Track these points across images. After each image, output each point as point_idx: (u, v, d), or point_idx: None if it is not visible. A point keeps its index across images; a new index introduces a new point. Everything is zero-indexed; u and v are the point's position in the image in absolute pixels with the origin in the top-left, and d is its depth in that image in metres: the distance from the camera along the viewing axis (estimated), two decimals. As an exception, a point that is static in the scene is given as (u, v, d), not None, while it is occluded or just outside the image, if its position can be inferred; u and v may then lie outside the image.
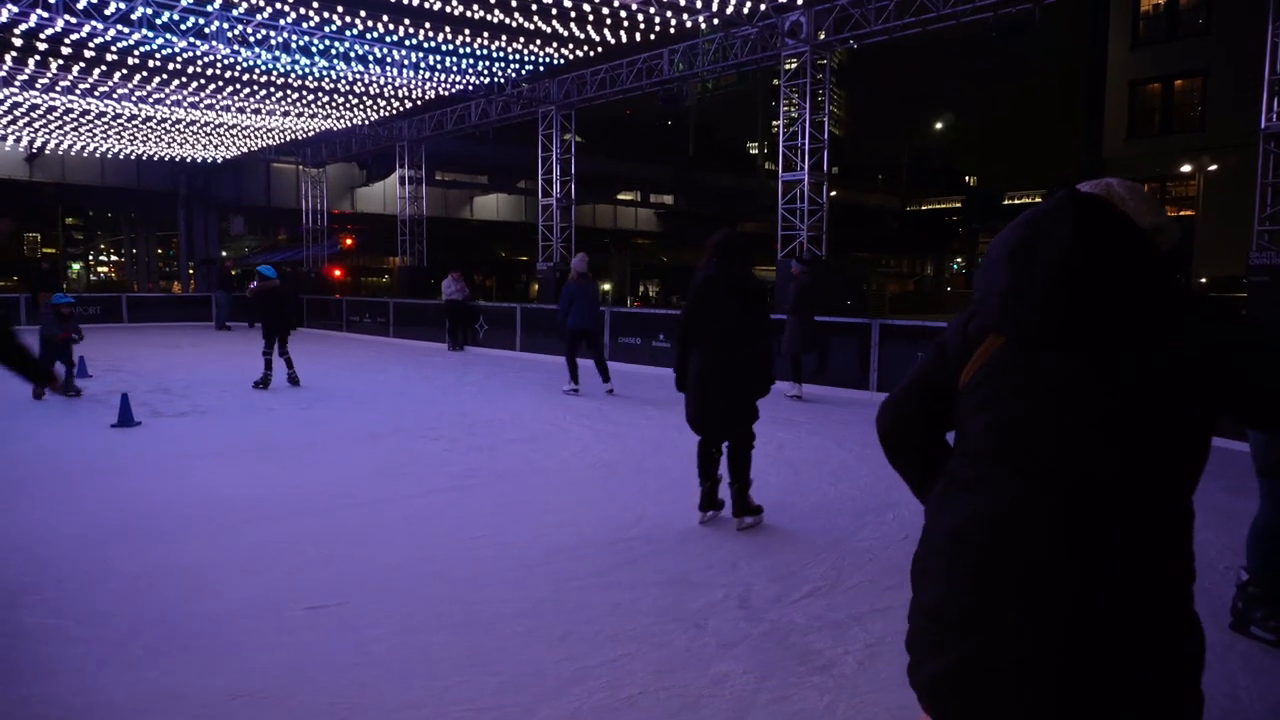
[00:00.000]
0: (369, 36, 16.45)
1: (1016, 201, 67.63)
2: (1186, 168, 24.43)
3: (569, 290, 10.90)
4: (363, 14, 15.59)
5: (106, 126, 24.18)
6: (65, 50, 16.42)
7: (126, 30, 15.56)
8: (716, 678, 3.21)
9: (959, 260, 68.61)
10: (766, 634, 3.61)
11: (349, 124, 24.86)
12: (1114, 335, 1.35)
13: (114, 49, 16.56)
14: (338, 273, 35.00)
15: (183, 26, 15.69)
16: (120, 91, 19.90)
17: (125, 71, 18.21)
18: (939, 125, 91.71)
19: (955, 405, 1.57)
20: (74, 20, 15.04)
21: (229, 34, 16.12)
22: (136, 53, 16.81)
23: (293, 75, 18.59)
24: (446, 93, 21.34)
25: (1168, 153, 24.60)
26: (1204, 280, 23.35)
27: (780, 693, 3.09)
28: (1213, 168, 23.55)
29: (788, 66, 17.47)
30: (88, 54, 16.67)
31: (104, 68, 17.84)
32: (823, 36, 16.66)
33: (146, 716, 2.89)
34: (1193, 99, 24.82)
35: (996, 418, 1.45)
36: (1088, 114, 28.46)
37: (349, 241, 40.86)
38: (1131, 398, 1.32)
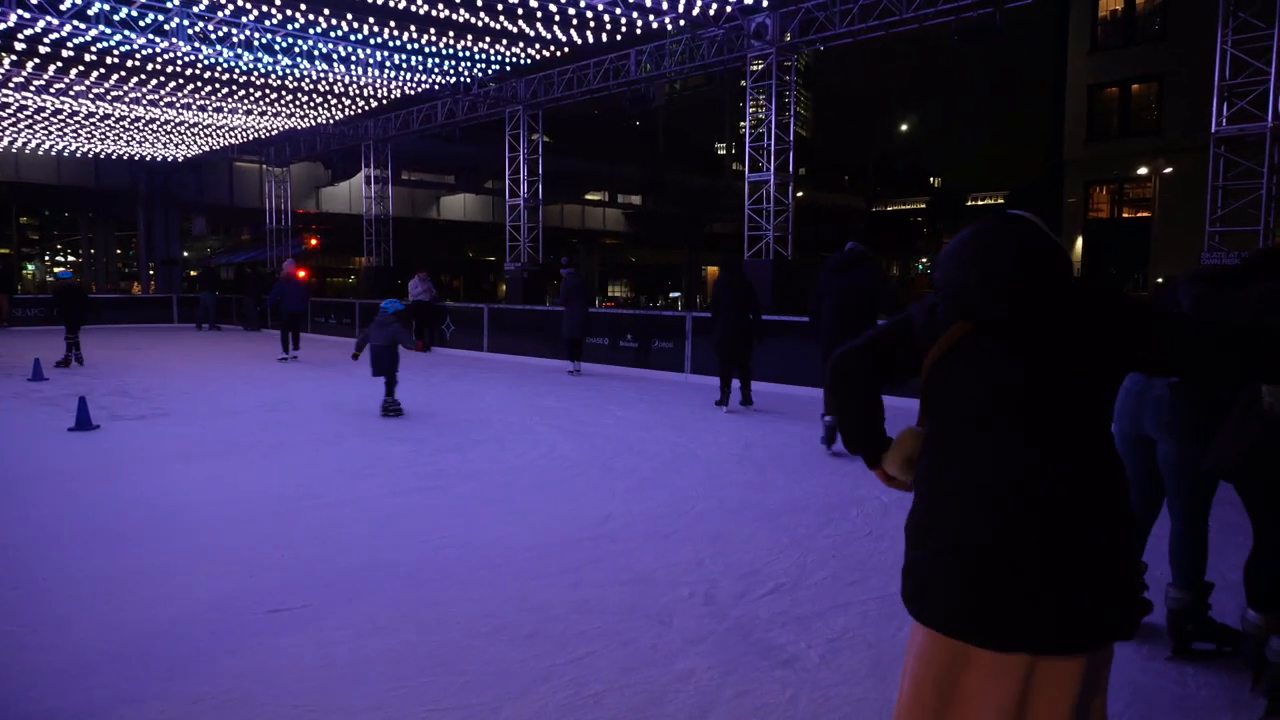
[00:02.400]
0: (333, 35, 16.28)
1: (980, 202, 68.61)
2: (1143, 170, 24.95)
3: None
4: (326, 12, 15.42)
5: (63, 124, 23.65)
6: (19, 46, 16.04)
7: (83, 26, 15.25)
8: (681, 674, 3.24)
9: (924, 261, 69.43)
10: (730, 630, 3.65)
11: (313, 123, 24.56)
12: (1051, 318, 1.76)
13: (70, 45, 16.21)
14: (302, 273, 34.56)
15: (141, 23, 15.41)
16: (77, 89, 19.49)
17: (82, 68, 17.83)
18: (904, 127, 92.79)
19: (899, 368, 1.98)
20: (27, 15, 14.70)
21: (189, 31, 15.87)
22: (93, 49, 16.48)
23: (255, 73, 18.33)
24: (413, 92, 21.16)
25: (1126, 155, 25.09)
26: (1160, 280, 23.85)
27: (744, 688, 3.13)
28: (1168, 170, 24.07)
29: (754, 68, 17.59)
30: (42, 50, 16.31)
31: (59, 64, 17.47)
32: (788, 38, 16.79)
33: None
34: (1149, 103, 25.33)
35: (983, 387, 1.80)
36: (1049, 117, 28.96)
37: (314, 241, 40.35)
38: (1067, 358, 1.75)
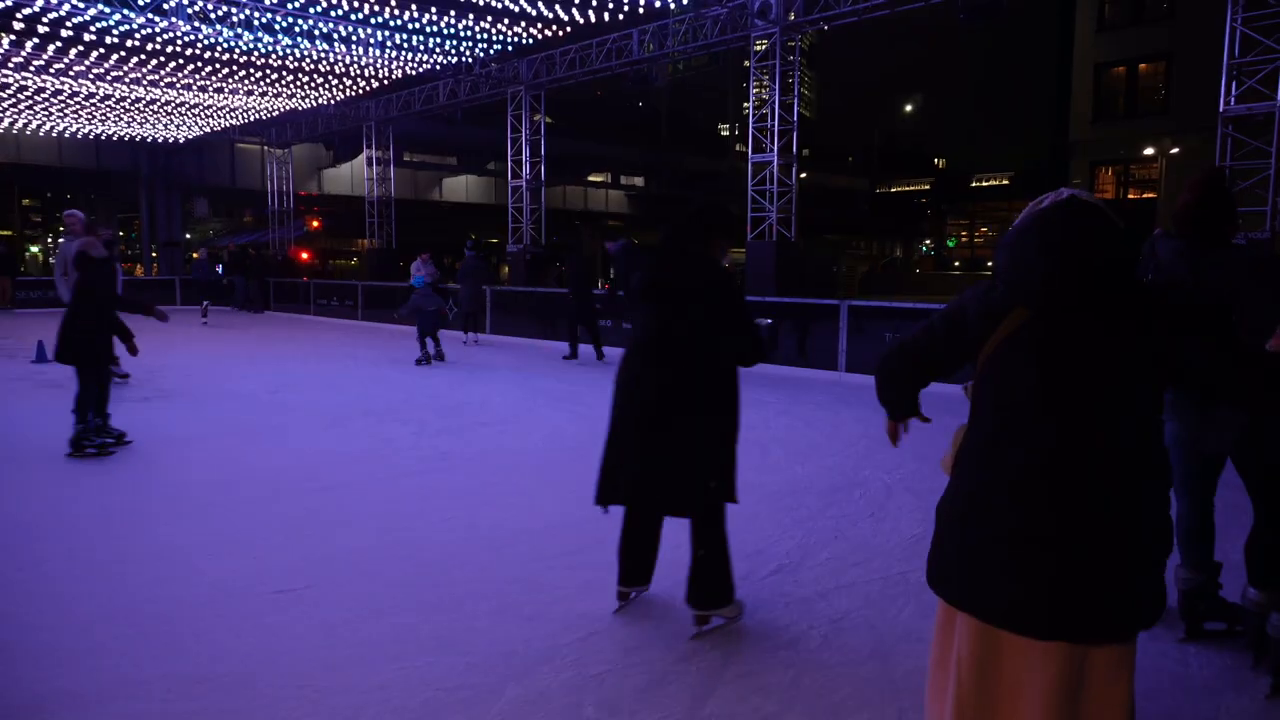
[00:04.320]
0: (334, 14, 16.15)
1: (985, 184, 68.21)
2: (1150, 150, 24.78)
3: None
4: (327, -9, 15.31)
5: (64, 105, 23.56)
6: (18, 25, 15.94)
7: (82, 5, 15.15)
8: (684, 654, 3.24)
9: (928, 242, 69.17)
10: (734, 611, 3.64)
11: (315, 104, 24.43)
12: (1114, 310, 1.76)
13: (69, 24, 16.11)
14: (305, 255, 34.50)
15: (140, 2, 15.31)
16: (77, 69, 19.39)
17: (81, 48, 17.72)
18: (908, 108, 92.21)
19: (945, 366, 2.02)
20: (27, -5, 14.62)
21: (189, 10, 15.76)
22: (93, 28, 16.37)
23: (256, 53, 18.21)
24: (414, 72, 21.01)
25: (1132, 136, 24.91)
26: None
27: (747, 668, 3.14)
28: (1175, 150, 23.91)
29: (757, 48, 17.45)
30: (42, 30, 16.20)
31: (59, 43, 17.36)
32: (792, 18, 16.65)
33: (110, 704, 2.86)
34: (1157, 83, 25.12)
35: (1042, 375, 1.78)
36: (1055, 97, 28.73)
37: (316, 224, 40.28)
38: (1126, 353, 1.75)
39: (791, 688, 3.00)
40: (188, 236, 39.29)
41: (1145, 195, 25.63)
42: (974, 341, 1.90)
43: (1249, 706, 2.90)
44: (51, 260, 57.83)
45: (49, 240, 62.13)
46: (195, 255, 25.78)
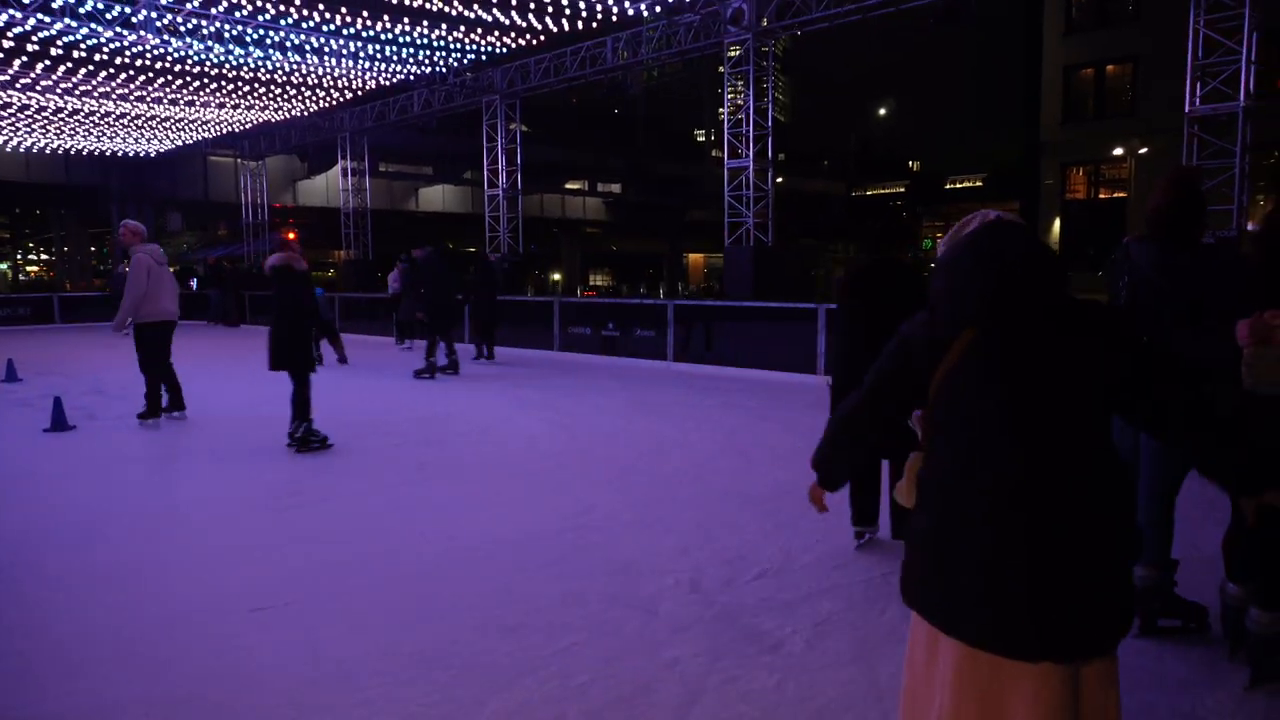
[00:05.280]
0: (305, 25, 16.08)
1: (959, 185, 68.89)
2: (1119, 151, 25.12)
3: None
4: (297, 2, 15.23)
5: (30, 120, 23.27)
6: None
7: (48, 19, 14.99)
8: (667, 662, 3.24)
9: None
10: (717, 617, 3.65)
11: (288, 115, 24.29)
12: (1051, 324, 1.78)
13: (35, 38, 15.93)
14: (291, 235, 34.16)
15: (108, 15, 15.17)
16: (44, 84, 19.17)
17: (48, 62, 17.53)
18: (882, 111, 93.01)
19: (902, 409, 1.99)
20: (-8, 9, 14.44)
21: (158, 24, 15.63)
22: (60, 42, 16.20)
23: (227, 66, 18.10)
24: (388, 82, 20.96)
25: (1101, 137, 25.25)
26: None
27: (731, 674, 3.14)
28: (1144, 151, 24.26)
29: (731, 54, 17.55)
30: (6, 44, 16.01)
31: (24, 58, 17.16)
32: (765, 23, 16.76)
33: (86, 726, 2.82)
34: (1124, 84, 25.48)
35: (1000, 393, 1.78)
36: (1025, 99, 29.05)
37: (291, 235, 39.95)
38: (1074, 365, 1.77)
39: (776, 692, 3.00)
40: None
41: (1116, 195, 25.96)
42: (924, 373, 1.88)
43: (1225, 700, 2.93)
44: (21, 277, 57.04)
45: (17, 257, 61.27)
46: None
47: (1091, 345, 1.77)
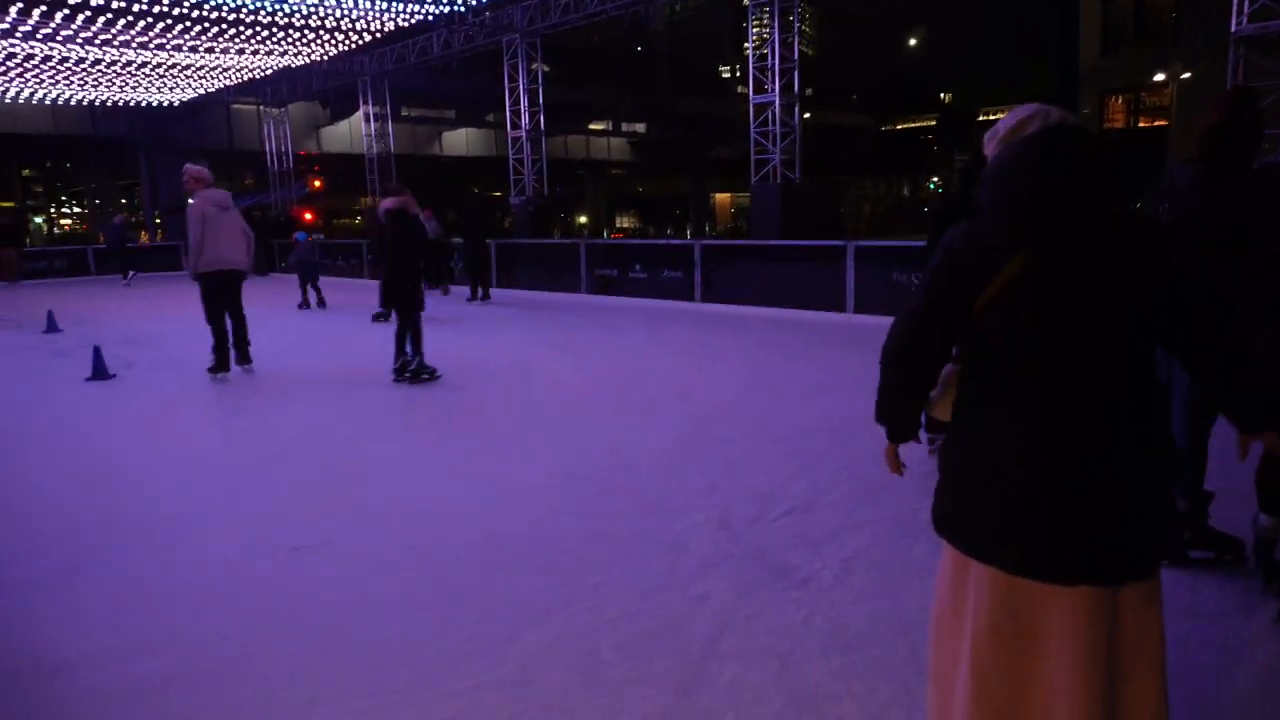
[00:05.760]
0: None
1: (991, 117, 66.94)
2: (1160, 77, 24.21)
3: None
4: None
5: (55, 71, 23.25)
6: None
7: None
8: (696, 596, 3.28)
9: (935, 180, 68.26)
10: (745, 553, 3.68)
11: (308, 60, 24.04)
12: (1118, 237, 1.70)
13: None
14: (308, 215, 34.32)
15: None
16: (65, 33, 19.10)
17: (67, 11, 17.43)
18: (912, 42, 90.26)
19: (956, 325, 1.82)
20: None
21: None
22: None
23: (244, 10, 17.90)
24: (407, 23, 20.61)
25: (1142, 62, 24.31)
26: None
27: (759, 608, 3.17)
28: (1186, 76, 23.36)
29: (756, -16, 17.02)
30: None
31: (45, 7, 17.08)
32: (791, -49, 16.20)
33: (135, 661, 2.92)
34: (1166, 6, 24.43)
35: (1052, 320, 1.69)
36: (1062, 25, 28.01)
37: (317, 184, 39.98)
38: (1132, 284, 1.70)
39: (804, 626, 3.03)
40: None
41: (1156, 123, 25.11)
42: (972, 292, 1.76)
43: (1257, 630, 2.92)
44: (56, 231, 57.78)
45: (52, 210, 62.00)
46: (115, 220, 25.20)
47: (1133, 271, 1.69)
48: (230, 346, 8.14)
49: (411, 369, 7.65)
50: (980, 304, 1.75)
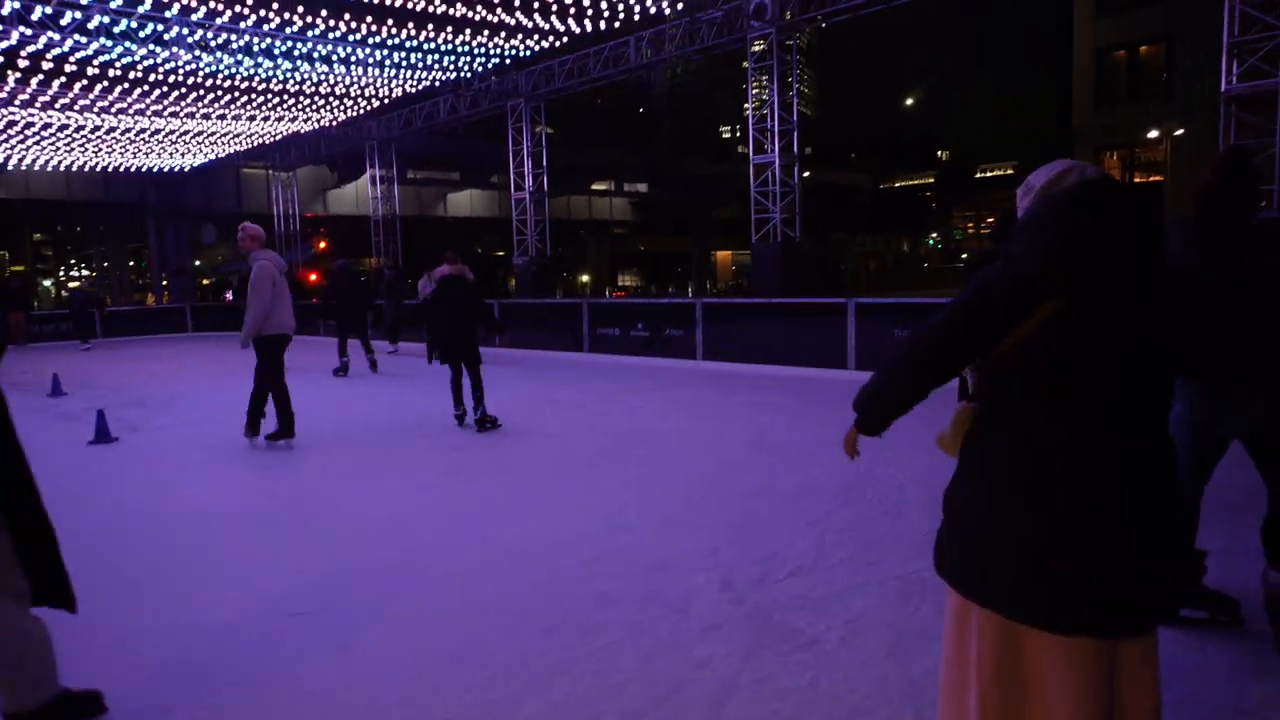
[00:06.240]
0: (331, 36, 16.29)
1: (989, 174, 67.96)
2: (1153, 134, 24.63)
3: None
4: (323, 13, 15.44)
5: (70, 139, 23.83)
6: (22, 63, 16.16)
7: (84, 40, 15.34)
8: (700, 660, 3.24)
9: (934, 236, 68.94)
10: (749, 615, 3.65)
11: (317, 125, 24.63)
12: (1150, 288, 1.75)
13: (72, 60, 16.32)
14: (313, 277, 34.72)
15: (141, 34, 15.49)
16: (82, 103, 19.62)
17: (85, 82, 17.94)
18: (910, 101, 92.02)
19: (974, 356, 1.86)
20: (29, 32, 14.80)
21: (189, 40, 15.93)
22: (95, 63, 16.58)
23: (256, 79, 18.40)
24: (414, 90, 21.16)
25: (1135, 120, 24.77)
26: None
27: (764, 672, 3.13)
28: (1179, 132, 23.76)
29: (755, 49, 17.47)
30: (45, 66, 16.42)
31: (63, 79, 17.58)
32: (788, 16, 16.67)
33: (133, 730, 2.88)
34: (1158, 65, 24.98)
35: (1082, 370, 1.72)
36: (1056, 84, 28.59)
37: (323, 245, 40.50)
38: (1168, 336, 1.76)
39: (810, 689, 2.99)
40: (196, 263, 39.58)
41: (1151, 178, 25.46)
42: (1001, 331, 1.78)
43: (1270, 691, 2.87)
44: (64, 293, 58.44)
45: (60, 274, 62.77)
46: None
47: (1161, 318, 1.74)
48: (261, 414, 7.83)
49: (475, 418, 8.33)
50: (1007, 346, 1.78)
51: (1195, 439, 3.21)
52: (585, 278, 58.10)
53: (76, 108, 20.10)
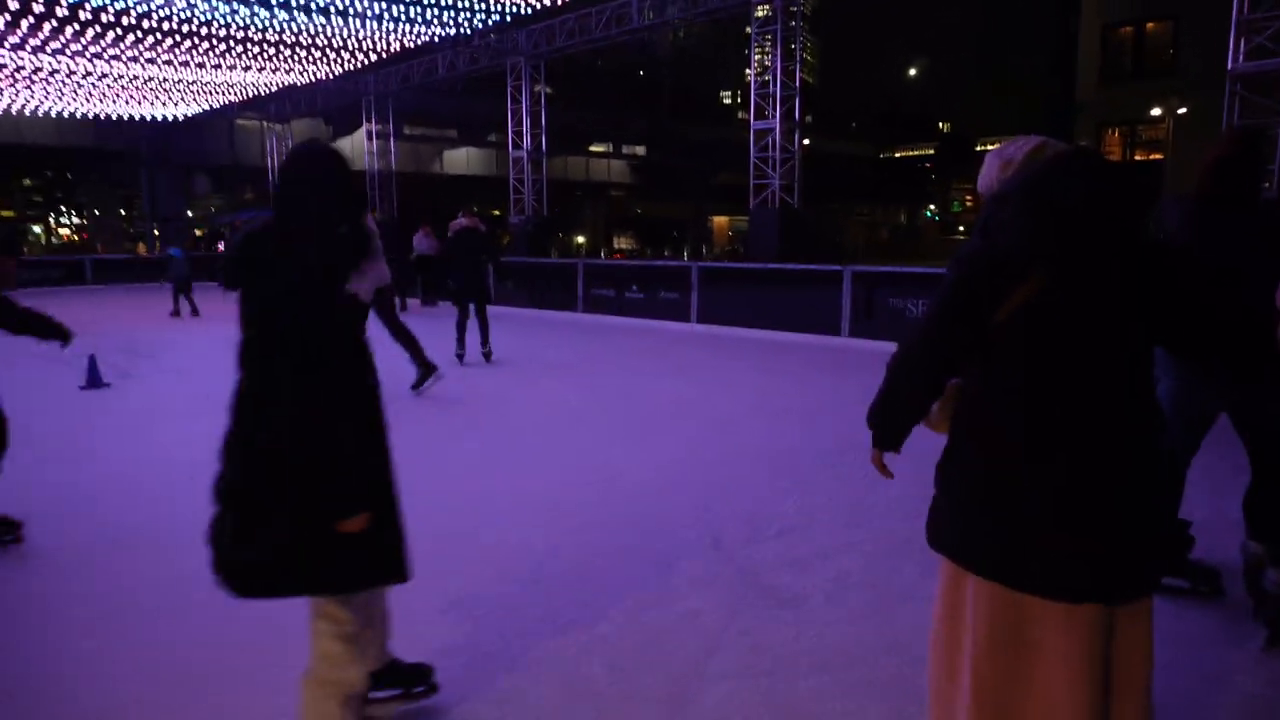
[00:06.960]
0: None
1: (989, 147, 67.33)
2: (1157, 111, 24.47)
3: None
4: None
5: (61, 85, 23.44)
6: (13, 5, 15.84)
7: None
8: (686, 614, 3.29)
9: (932, 208, 68.71)
10: (736, 573, 3.69)
11: (313, 78, 24.24)
12: (1135, 261, 1.75)
13: (65, 2, 15.99)
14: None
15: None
16: (74, 48, 19.26)
17: (78, 26, 17.60)
18: (912, 72, 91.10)
19: (968, 342, 1.81)
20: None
21: (184, -16, 15.62)
22: (88, 5, 16.25)
23: (252, 28, 18.07)
24: (412, 44, 20.82)
25: (1139, 96, 24.58)
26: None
27: (749, 627, 3.18)
28: (1183, 111, 23.61)
29: (759, 14, 17.25)
30: (37, 9, 16.09)
31: (55, 23, 17.24)
32: (794, -19, 16.43)
33: (142, 674, 2.92)
34: (1164, 42, 24.74)
35: (1068, 341, 1.73)
36: (1060, 58, 28.35)
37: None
38: (1153, 309, 1.78)
39: (792, 644, 3.04)
40: (189, 214, 39.22)
41: (1152, 156, 25.35)
42: (987, 310, 1.76)
43: (1244, 659, 2.93)
44: (54, 240, 57.83)
45: (50, 220, 62.08)
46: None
47: (1147, 290, 1.75)
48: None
49: (482, 352, 9.85)
50: (998, 321, 1.76)
51: (1183, 411, 3.24)
52: (581, 239, 57.81)
53: (69, 52, 19.74)
